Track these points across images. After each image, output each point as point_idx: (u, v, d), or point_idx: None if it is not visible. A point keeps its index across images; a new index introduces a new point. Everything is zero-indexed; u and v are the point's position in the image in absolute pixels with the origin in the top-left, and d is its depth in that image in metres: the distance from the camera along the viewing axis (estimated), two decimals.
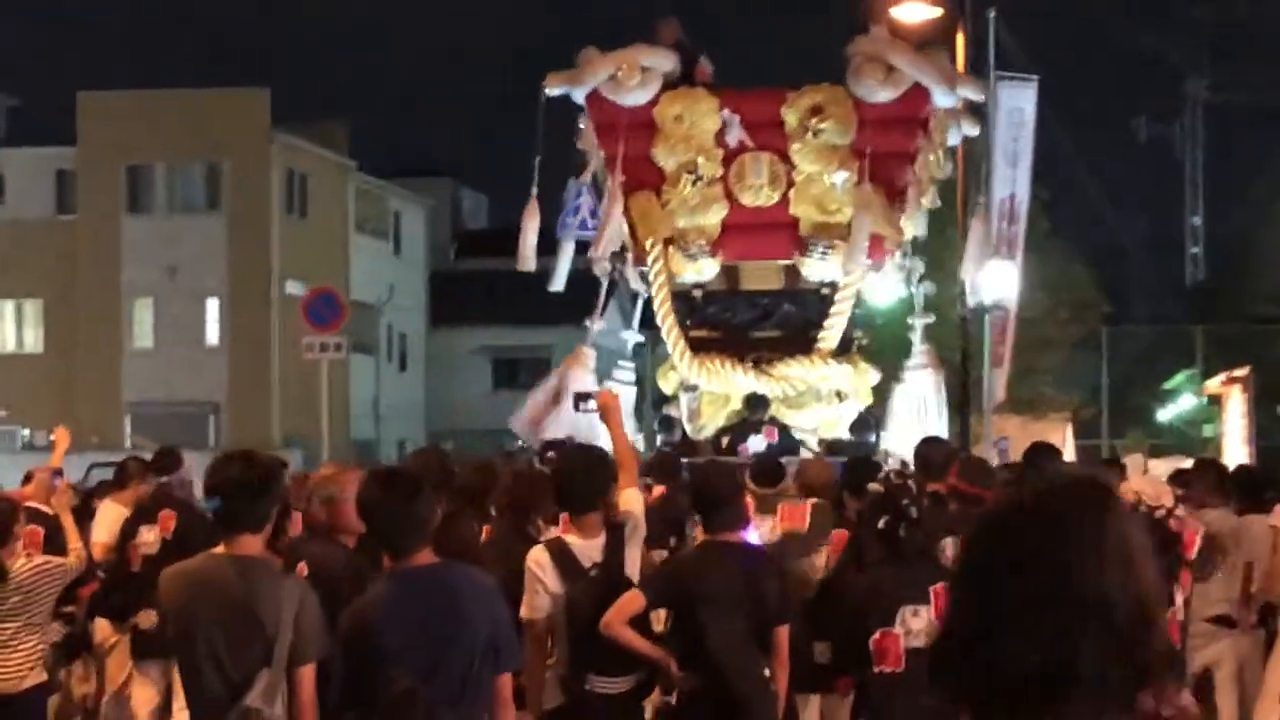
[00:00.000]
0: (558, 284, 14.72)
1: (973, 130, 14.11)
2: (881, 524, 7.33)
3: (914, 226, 14.28)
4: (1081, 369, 34.31)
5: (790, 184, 13.86)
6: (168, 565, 9.41)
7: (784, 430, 13.70)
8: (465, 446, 36.18)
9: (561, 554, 6.48)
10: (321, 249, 39.76)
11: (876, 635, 7.07)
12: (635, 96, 13.97)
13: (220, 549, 5.36)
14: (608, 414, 7.55)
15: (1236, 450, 25.58)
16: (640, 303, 15.13)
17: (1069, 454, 18.24)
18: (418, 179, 47.31)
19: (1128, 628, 2.07)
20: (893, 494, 7.95)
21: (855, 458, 10.23)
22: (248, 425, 36.40)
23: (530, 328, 43.95)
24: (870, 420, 13.90)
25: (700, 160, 13.91)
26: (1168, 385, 36.86)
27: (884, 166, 13.62)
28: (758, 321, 14.27)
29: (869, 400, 14.21)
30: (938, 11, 25.71)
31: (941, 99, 13.64)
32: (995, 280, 14.48)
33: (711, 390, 14.06)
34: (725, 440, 13.76)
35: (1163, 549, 8.36)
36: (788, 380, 13.86)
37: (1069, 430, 24.83)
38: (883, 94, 13.56)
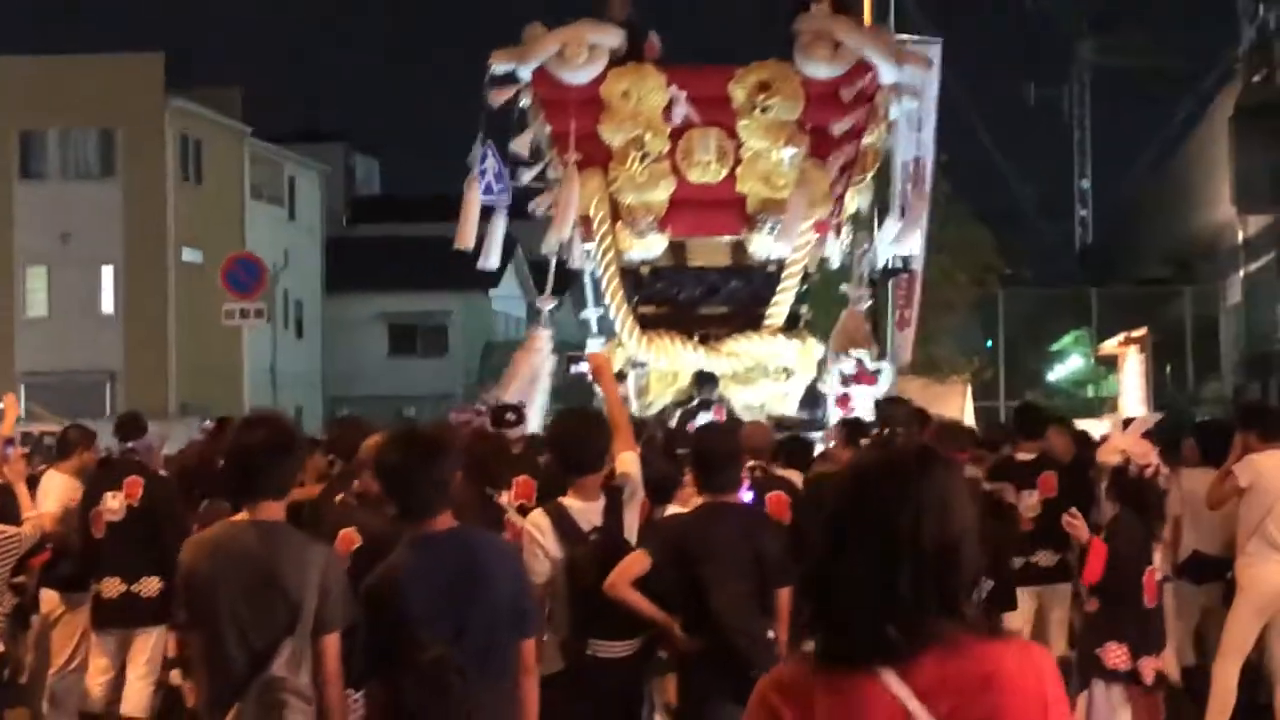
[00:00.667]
0: (491, 261, 14.54)
1: (912, 104, 14.17)
2: None
3: (858, 200, 14.32)
4: (978, 332, 34.69)
5: (737, 160, 13.86)
6: (133, 532, 9.54)
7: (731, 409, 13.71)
8: (362, 413, 36.12)
9: (560, 517, 6.36)
10: (217, 215, 39.11)
11: None
12: (582, 73, 13.90)
13: (242, 515, 5.21)
14: (600, 375, 7.47)
15: (1135, 410, 25.99)
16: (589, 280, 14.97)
17: (968, 416, 18.36)
18: (311, 145, 46.80)
19: (936, 560, 2.69)
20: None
21: (847, 420, 10.17)
22: (145, 393, 35.80)
23: (428, 293, 43.67)
24: (820, 396, 13.94)
25: (647, 137, 13.86)
26: (1055, 347, 37.35)
27: (831, 142, 13.64)
28: (705, 298, 14.28)
29: (815, 375, 14.24)
30: None
31: (887, 74, 13.68)
32: (902, 243, 14.52)
33: (659, 367, 14.03)
34: (674, 417, 13.74)
35: (1147, 507, 8.38)
36: (736, 356, 13.88)
37: (968, 392, 25.10)
38: (830, 70, 13.59)
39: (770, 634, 6.64)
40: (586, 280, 14.99)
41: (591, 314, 14.90)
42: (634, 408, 14.09)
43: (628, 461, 6.69)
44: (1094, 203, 47.00)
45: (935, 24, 24.94)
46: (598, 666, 6.30)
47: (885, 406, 11.15)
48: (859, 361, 13.54)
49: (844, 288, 14.59)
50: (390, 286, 44.26)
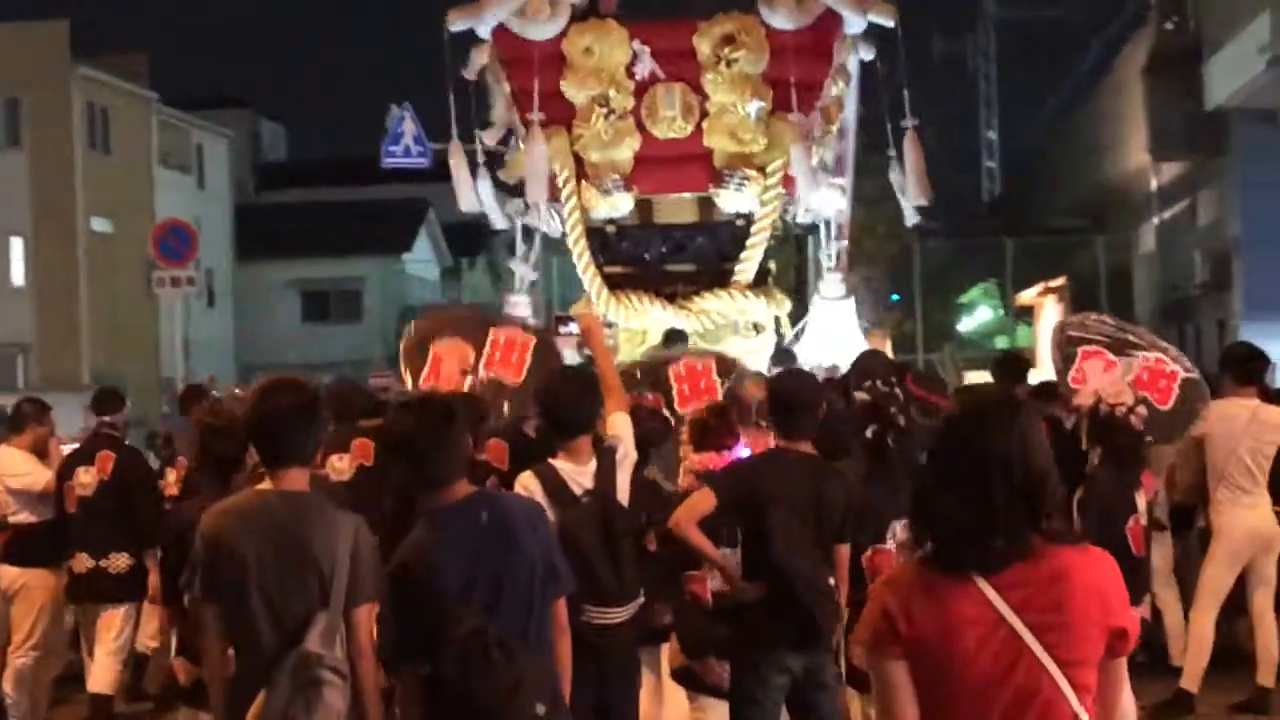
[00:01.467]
0: (498, 221, 14.39)
1: (869, 55, 14.09)
2: (869, 433, 7.34)
3: (822, 154, 14.26)
4: (893, 285, 34.90)
5: (704, 115, 13.71)
6: (104, 507, 9.39)
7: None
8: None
9: (552, 480, 6.22)
10: (126, 184, 38.51)
11: (869, 552, 7.10)
12: (544, 29, 13.70)
13: (266, 484, 5.09)
14: (590, 336, 7.39)
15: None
16: (527, 236, 14.78)
17: None
18: (217, 111, 46.15)
19: (1028, 486, 3.38)
20: (880, 402, 7.86)
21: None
22: (57, 366, 35.41)
23: (340, 259, 43.41)
24: (791, 352, 13.88)
25: (611, 93, 13.68)
26: (963, 299, 37.65)
27: (797, 94, 13.55)
28: (672, 255, 14.12)
29: (784, 332, 14.21)
30: None
31: (853, 24, 13.62)
32: (828, 198, 14.50)
33: (629, 327, 13.93)
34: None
35: (1122, 450, 8.27)
36: (705, 314, 13.76)
37: (888, 346, 25.25)
38: (795, 20, 13.49)
39: (831, 581, 6.57)
40: (517, 237, 14.79)
41: (526, 271, 14.73)
42: None
43: (619, 423, 6.60)
44: (1001, 154, 47.34)
45: None
46: (592, 633, 6.15)
47: (865, 359, 11.10)
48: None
49: (828, 248, 14.53)
50: (301, 253, 43.98)
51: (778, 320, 14.15)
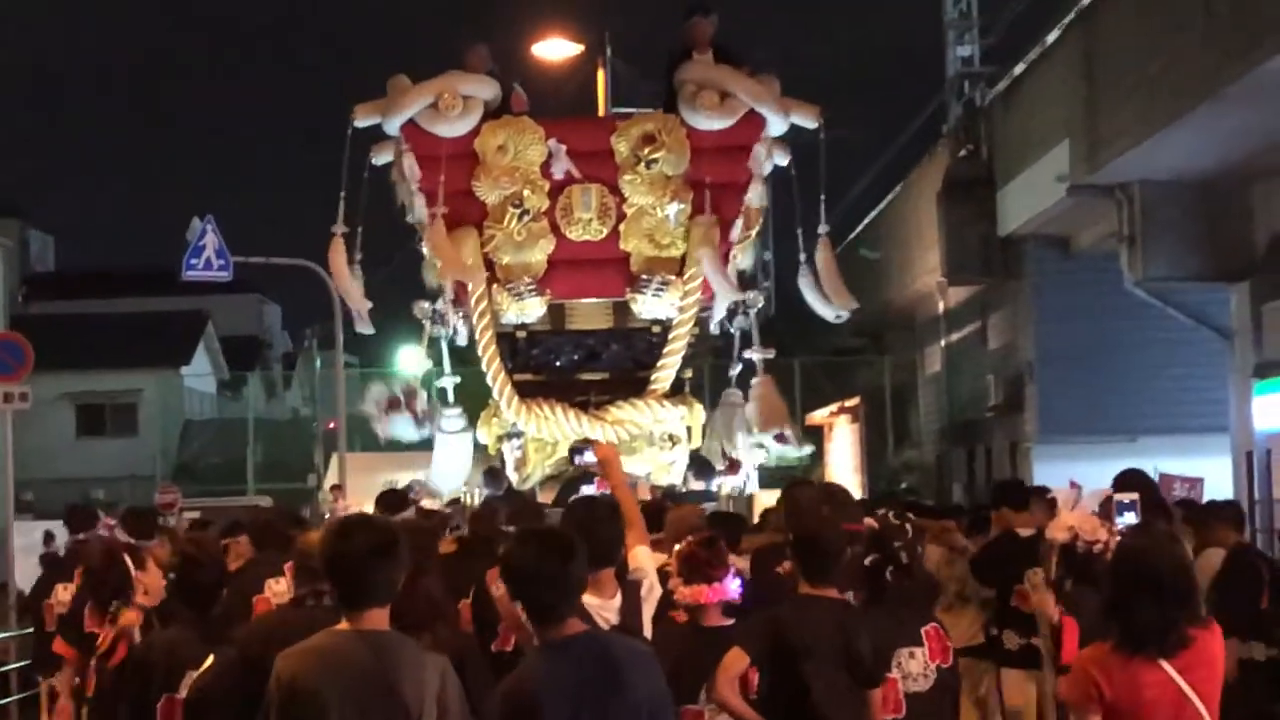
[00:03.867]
0: (364, 325, 13.59)
1: (783, 160, 13.80)
2: (868, 561, 7.10)
3: (744, 258, 13.89)
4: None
5: (621, 217, 13.30)
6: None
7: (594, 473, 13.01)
8: (50, 497, 34.10)
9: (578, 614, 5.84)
10: None
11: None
12: (457, 126, 13.13)
13: (344, 625, 4.88)
14: (608, 467, 7.15)
15: (848, 480, 26.29)
16: (445, 346, 14.09)
17: None
18: None
19: (1188, 593, 5.04)
20: (885, 534, 7.61)
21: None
22: None
23: (116, 372, 42.07)
24: (709, 464, 13.40)
25: (525, 193, 13.21)
26: None
27: (718, 197, 13.20)
28: (585, 362, 13.63)
29: (700, 443, 13.71)
30: (578, 48, 25.67)
31: (776, 126, 13.31)
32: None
33: (539, 437, 13.27)
34: (552, 489, 13.05)
35: (1099, 583, 8.22)
36: (619, 424, 13.24)
37: None
38: (718, 122, 13.15)
39: None
40: (442, 347, 14.11)
41: (447, 383, 14.07)
42: (513, 480, 13.35)
43: (642, 556, 6.53)
44: (776, 275, 47.68)
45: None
46: None
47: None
48: (781, 435, 13.15)
49: (749, 353, 14.06)
50: (75, 365, 42.53)
51: (691, 431, 13.64)
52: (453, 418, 13.32)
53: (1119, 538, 9.63)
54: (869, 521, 7.99)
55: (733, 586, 6.93)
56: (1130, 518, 7.97)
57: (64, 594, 9.23)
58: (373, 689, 4.77)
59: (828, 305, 13.79)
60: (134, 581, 6.84)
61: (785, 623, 6.36)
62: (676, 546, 7.97)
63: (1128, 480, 8.87)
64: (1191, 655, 4.94)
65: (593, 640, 4.98)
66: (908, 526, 8.34)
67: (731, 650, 6.26)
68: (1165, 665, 4.89)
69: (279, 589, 8.57)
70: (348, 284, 13.25)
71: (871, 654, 6.36)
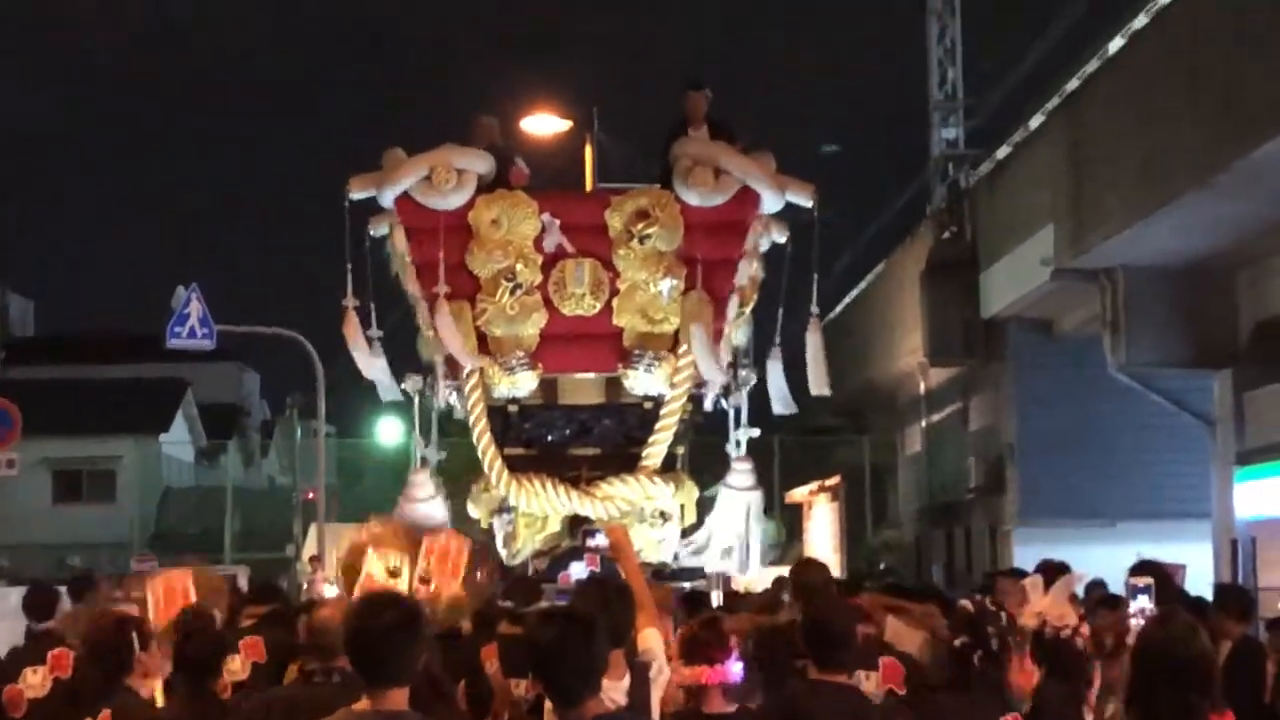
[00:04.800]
0: (389, 393, 13.55)
1: (780, 237, 13.80)
2: (958, 643, 7.04)
3: (737, 336, 13.88)
4: None
5: (614, 292, 13.26)
6: (60, 708, 8.44)
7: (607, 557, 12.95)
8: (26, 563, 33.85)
9: None
10: None
11: None
12: (450, 200, 13.14)
13: (364, 704, 4.80)
14: (619, 549, 7.11)
15: (827, 560, 26.11)
16: (424, 414, 14.01)
17: None
18: None
19: (1209, 679, 5.07)
20: (980, 617, 7.64)
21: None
22: None
23: (94, 438, 41.87)
24: (702, 543, 13.34)
25: (518, 267, 13.17)
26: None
27: (711, 273, 13.20)
28: (577, 437, 13.55)
29: (693, 521, 13.64)
30: (566, 124, 25.79)
31: (770, 203, 13.33)
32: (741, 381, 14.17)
33: (529, 512, 13.20)
34: (542, 565, 12.98)
35: (1069, 672, 8.19)
36: (610, 500, 13.17)
37: None
38: (712, 198, 13.17)
39: None
40: (433, 419, 14.05)
41: (432, 454, 14.00)
42: (503, 556, 13.28)
43: (651, 638, 6.48)
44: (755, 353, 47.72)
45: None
46: None
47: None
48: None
49: (738, 433, 14.02)
50: (52, 431, 42.17)
51: (683, 508, 13.57)
52: (421, 484, 13.20)
53: (1087, 625, 9.68)
54: (963, 604, 8.02)
55: (735, 669, 6.88)
56: (1144, 601, 7.95)
57: (33, 678, 8.94)
58: None
59: (784, 399, 13.77)
60: (135, 661, 6.65)
61: (799, 709, 6.31)
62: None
63: (1144, 570, 8.83)
64: None
65: None
66: (1002, 614, 8.37)
67: None
68: None
69: (34, 680, 8.87)
70: (367, 358, 13.22)
71: None
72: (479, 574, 10.90)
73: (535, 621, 5.19)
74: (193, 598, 9.02)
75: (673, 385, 13.25)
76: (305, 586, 23.71)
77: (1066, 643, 7.89)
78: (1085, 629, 9.49)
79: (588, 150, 25.25)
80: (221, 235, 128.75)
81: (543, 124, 25.63)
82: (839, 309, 39.40)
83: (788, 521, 30.52)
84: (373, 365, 13.29)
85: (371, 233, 13.37)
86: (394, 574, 10.58)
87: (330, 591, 16.26)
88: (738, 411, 14.14)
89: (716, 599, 12.18)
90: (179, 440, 46.70)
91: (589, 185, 22.47)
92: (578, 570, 12.54)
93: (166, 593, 9.09)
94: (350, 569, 11.02)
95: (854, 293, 38.95)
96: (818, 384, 13.63)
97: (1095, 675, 8.59)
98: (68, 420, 41.76)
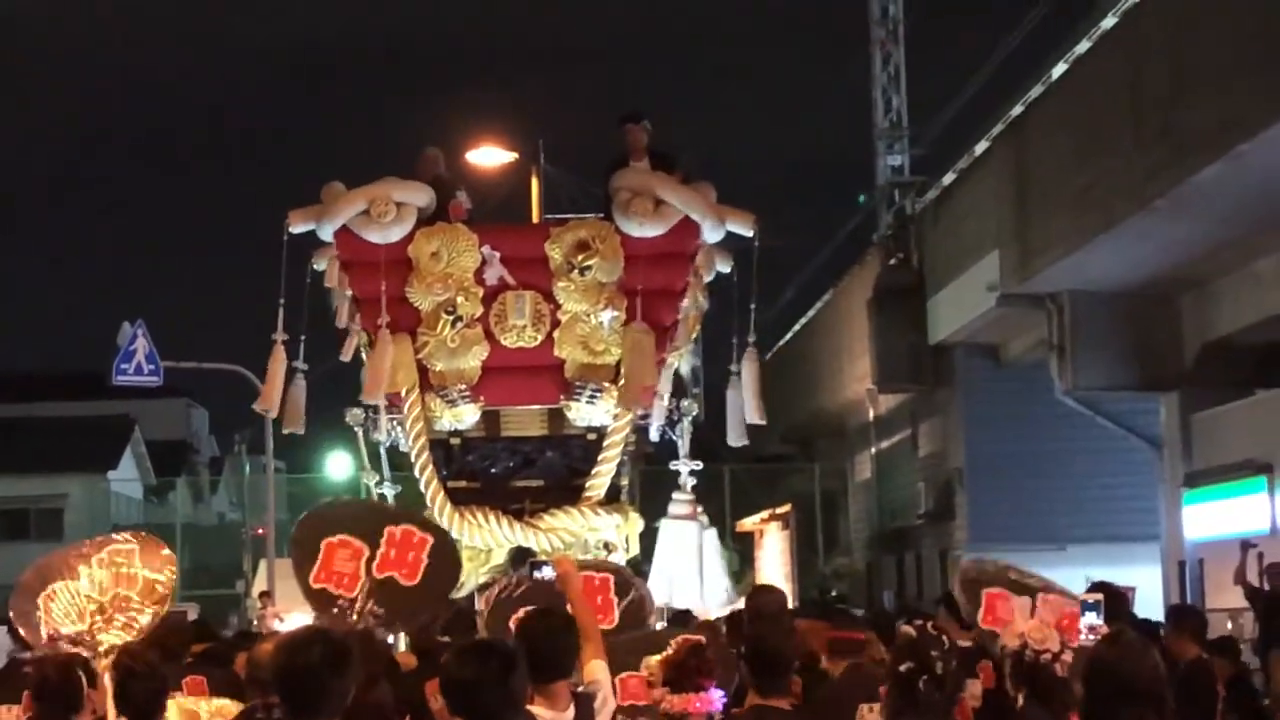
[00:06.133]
0: (296, 428, 13.39)
1: (725, 267, 13.75)
2: (903, 668, 7.06)
3: (678, 365, 13.82)
4: None
5: (555, 324, 13.16)
6: None
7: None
8: None
9: None
10: None
11: None
12: (390, 233, 13.04)
13: None
14: (567, 581, 7.06)
15: (779, 587, 26.07)
16: (384, 452, 13.88)
17: None
18: None
19: (1162, 701, 5.07)
20: (922, 642, 7.64)
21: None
22: None
23: (40, 476, 41.70)
24: (644, 572, 13.23)
25: (459, 299, 13.05)
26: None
27: (652, 304, 13.14)
28: (520, 469, 13.45)
29: (636, 552, 13.57)
30: (511, 156, 25.73)
31: (711, 233, 13.28)
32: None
33: (473, 545, 13.09)
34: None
35: (1048, 696, 8.20)
36: (554, 531, 13.05)
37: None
38: (651, 229, 13.10)
39: None
40: (381, 453, 13.92)
41: (388, 490, 13.89)
42: None
43: (598, 669, 6.47)
44: (705, 382, 47.65)
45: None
46: None
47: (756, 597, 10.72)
48: None
49: (675, 464, 13.94)
50: None
51: (627, 539, 13.50)
52: None
53: (1072, 648, 9.69)
54: (905, 629, 8.00)
55: (717, 696, 6.97)
56: (1093, 618, 7.97)
57: (7, 716, 8.71)
58: None
59: (739, 427, 13.70)
60: (85, 699, 6.59)
61: None
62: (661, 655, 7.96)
63: (1097, 589, 8.84)
64: None
65: None
66: (944, 638, 8.33)
67: None
68: None
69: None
70: (276, 390, 13.06)
71: None
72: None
73: (452, 655, 5.16)
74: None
75: (615, 416, 13.15)
76: (255, 622, 23.54)
77: (1046, 667, 8.01)
78: (1067, 655, 9.53)
79: (534, 181, 25.19)
80: (168, 271, 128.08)
81: (488, 156, 25.55)
82: (788, 336, 39.44)
83: (740, 550, 30.58)
84: (275, 400, 13.11)
85: (316, 266, 13.25)
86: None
87: (281, 627, 16.10)
88: (679, 443, 14.04)
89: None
90: (127, 478, 46.37)
91: (535, 216, 22.39)
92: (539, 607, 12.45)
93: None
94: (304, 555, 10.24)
95: (802, 321, 38.97)
96: (754, 414, 13.56)
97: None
98: (14, 458, 41.67)
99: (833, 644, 9.02)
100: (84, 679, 6.66)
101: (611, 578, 9.76)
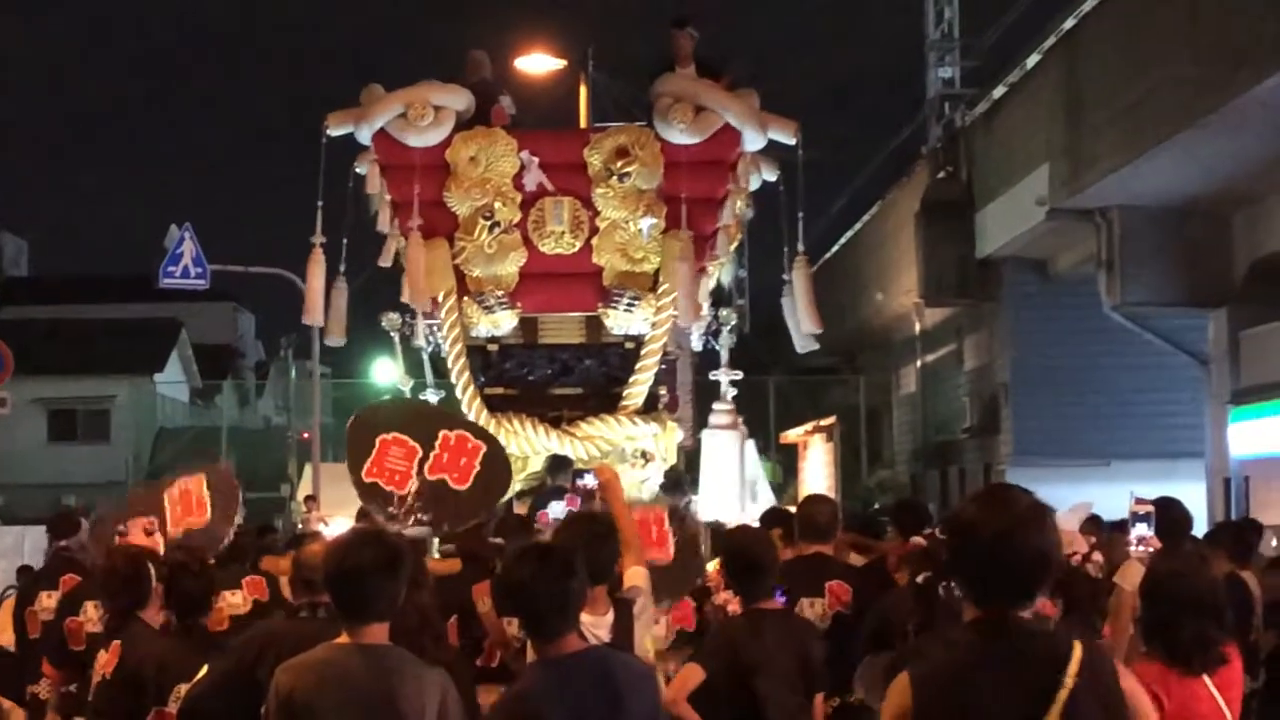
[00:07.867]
0: (338, 339, 13.34)
1: (771, 175, 13.58)
2: (920, 579, 7.14)
3: (718, 275, 13.71)
4: None
5: (593, 230, 13.06)
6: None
7: (588, 495, 12.82)
8: (20, 501, 33.81)
9: None
10: None
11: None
12: (427, 136, 12.93)
13: (344, 639, 4.87)
14: (609, 490, 7.14)
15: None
16: (427, 359, 13.86)
17: None
18: None
19: (1222, 614, 5.29)
20: (935, 551, 7.63)
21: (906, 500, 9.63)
22: None
23: (88, 378, 42.08)
24: (683, 480, 13.20)
25: (497, 205, 12.97)
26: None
27: (692, 212, 13.00)
28: (558, 377, 13.37)
29: (674, 461, 13.51)
30: (560, 63, 25.55)
31: (752, 141, 13.12)
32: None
33: (510, 452, 13.04)
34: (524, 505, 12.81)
35: (1079, 602, 8.15)
36: (591, 440, 13.01)
37: None
38: (691, 135, 12.94)
39: None
40: (424, 359, 13.89)
41: (431, 395, 13.86)
42: None
43: (638, 575, 6.56)
44: (750, 293, 47.46)
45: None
46: None
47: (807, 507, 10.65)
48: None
49: (715, 374, 13.86)
50: (48, 370, 42.09)
51: (665, 449, 13.43)
52: None
53: (1099, 554, 9.64)
54: (917, 540, 7.99)
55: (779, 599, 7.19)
56: (1143, 529, 7.95)
57: (48, 601, 9.02)
58: (372, 704, 4.75)
59: (802, 335, 13.58)
60: (152, 593, 6.69)
61: (739, 639, 6.61)
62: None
63: (1163, 506, 8.83)
64: (1226, 674, 5.19)
65: (592, 657, 4.94)
66: None
67: (688, 664, 6.55)
68: (1208, 682, 5.12)
69: (235, 600, 8.79)
70: (318, 297, 13.01)
71: (822, 662, 6.69)
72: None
73: (511, 557, 5.20)
74: (207, 502, 9.13)
75: (653, 325, 13.07)
76: (300, 526, 23.67)
77: (1078, 570, 8.43)
78: (1097, 555, 9.49)
79: (582, 89, 25.04)
80: (216, 175, 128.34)
81: (537, 63, 25.38)
82: (834, 249, 39.17)
83: (783, 463, 30.55)
84: (318, 309, 13.04)
85: (358, 169, 13.18)
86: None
87: (326, 531, 16.10)
88: (720, 352, 13.97)
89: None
90: (174, 380, 46.54)
91: (583, 124, 22.25)
92: (556, 510, 12.43)
93: (182, 497, 9.09)
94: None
95: (849, 233, 38.70)
96: (809, 321, 13.43)
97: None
98: (62, 360, 41.71)
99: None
100: (152, 572, 6.75)
101: (665, 511, 9.80)
